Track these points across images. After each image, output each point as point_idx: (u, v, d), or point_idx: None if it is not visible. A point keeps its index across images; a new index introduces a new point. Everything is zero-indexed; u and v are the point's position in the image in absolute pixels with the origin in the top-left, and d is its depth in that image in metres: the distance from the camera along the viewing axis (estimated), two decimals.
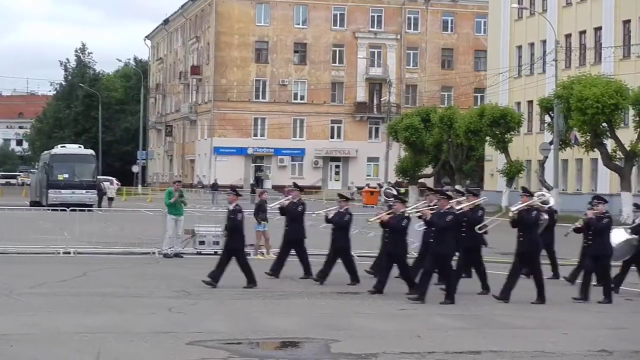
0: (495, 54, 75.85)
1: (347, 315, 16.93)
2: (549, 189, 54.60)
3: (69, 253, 26.20)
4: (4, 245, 27.37)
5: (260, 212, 27.08)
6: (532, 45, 71.29)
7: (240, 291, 19.55)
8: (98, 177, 60.06)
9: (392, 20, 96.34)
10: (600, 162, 54.22)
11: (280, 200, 23.54)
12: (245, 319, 16.18)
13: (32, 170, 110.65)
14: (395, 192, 22.59)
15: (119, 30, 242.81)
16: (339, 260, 21.44)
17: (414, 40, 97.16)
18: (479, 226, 20.20)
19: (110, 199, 57.11)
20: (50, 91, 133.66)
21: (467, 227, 20.12)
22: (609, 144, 51.68)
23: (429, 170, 75.23)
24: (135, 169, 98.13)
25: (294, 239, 22.21)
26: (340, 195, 22.46)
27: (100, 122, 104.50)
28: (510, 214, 19.38)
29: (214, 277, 19.94)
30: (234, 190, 21.82)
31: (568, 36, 66.20)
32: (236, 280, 20.41)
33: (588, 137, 51.09)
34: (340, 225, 21.36)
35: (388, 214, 20.01)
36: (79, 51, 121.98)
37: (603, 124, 49.34)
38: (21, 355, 12.51)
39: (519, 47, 73.03)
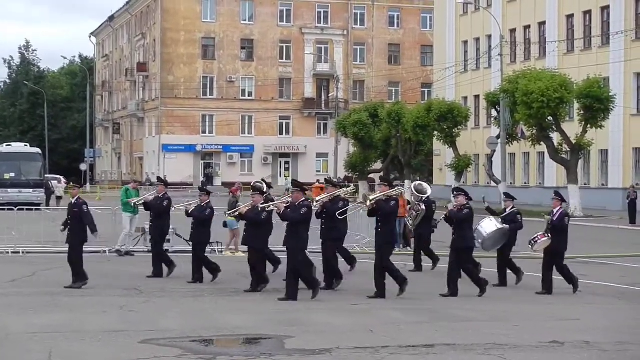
0: (442, 49, 76.30)
1: (301, 311, 16.92)
2: (497, 182, 55.18)
3: (18, 253, 25.97)
4: None
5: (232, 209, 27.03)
6: (477, 40, 71.83)
7: (193, 288, 19.51)
8: (45, 175, 59.49)
9: (338, 16, 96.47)
10: (547, 155, 54.79)
11: (145, 195, 23.66)
12: (198, 316, 16.13)
13: None
14: (263, 186, 21.69)
15: (63, 27, 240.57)
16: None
17: (360, 35, 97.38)
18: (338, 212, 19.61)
19: (59, 198, 56.53)
20: None
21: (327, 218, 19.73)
22: (555, 137, 52.17)
23: (378, 165, 75.39)
24: (83, 167, 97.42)
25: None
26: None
27: (47, 120, 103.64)
28: (367, 204, 18.76)
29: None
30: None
31: (513, 31, 66.79)
32: (188, 278, 20.40)
33: (534, 131, 51.59)
34: (201, 220, 20.90)
35: (247, 206, 19.66)
36: (22, 48, 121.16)
37: (549, 118, 49.83)
38: None
39: (465, 42, 73.55)
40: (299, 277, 18.24)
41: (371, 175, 74.16)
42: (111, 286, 19.82)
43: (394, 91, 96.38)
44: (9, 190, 52.62)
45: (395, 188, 19.86)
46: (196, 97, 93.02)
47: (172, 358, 12.46)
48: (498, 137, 56.83)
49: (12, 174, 55.09)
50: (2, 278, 20.96)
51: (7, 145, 62.41)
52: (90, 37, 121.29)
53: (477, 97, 69.30)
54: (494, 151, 58.43)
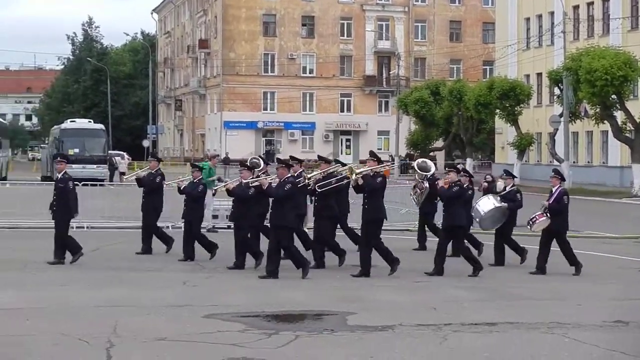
0: (504, 26, 75.64)
1: (363, 288, 16.95)
2: (560, 161, 54.69)
3: (82, 227, 26.24)
4: (17, 220, 27.49)
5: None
6: (540, 17, 71.06)
7: (252, 265, 19.51)
8: (109, 151, 60.11)
9: None
10: (610, 134, 54.13)
11: (138, 172, 23.45)
12: (260, 292, 16.21)
13: (42, 145, 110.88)
14: (259, 162, 21.23)
15: (125, 4, 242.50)
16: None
17: (422, 12, 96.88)
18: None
19: (122, 174, 57.07)
20: (58, 65, 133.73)
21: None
22: (619, 115, 51.58)
23: (439, 143, 75.17)
24: (146, 143, 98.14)
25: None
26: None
27: (109, 96, 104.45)
28: (354, 177, 18.45)
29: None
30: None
31: (576, 7, 65.94)
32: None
33: (598, 109, 51.02)
34: (193, 196, 20.42)
35: (233, 182, 19.42)
36: (85, 25, 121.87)
37: (612, 96, 49.27)
38: (37, 330, 12.54)
39: (527, 19, 72.80)
40: (288, 255, 18.04)
41: (432, 153, 73.96)
42: (174, 262, 19.95)
43: (455, 69, 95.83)
44: (73, 165, 52.74)
45: (384, 164, 19.56)
46: (257, 74, 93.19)
47: (235, 333, 12.54)
48: (561, 115, 56.37)
49: (76, 150, 55.72)
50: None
51: (71, 122, 63.14)
52: (152, 13, 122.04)
53: (539, 74, 68.62)
54: (557, 129, 57.92)
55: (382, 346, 11.96)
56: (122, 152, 76.40)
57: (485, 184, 21.95)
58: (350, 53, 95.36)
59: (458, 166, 21.43)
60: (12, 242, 22.31)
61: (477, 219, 20.61)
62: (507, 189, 21.00)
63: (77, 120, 66.75)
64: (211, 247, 20.53)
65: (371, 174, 18.39)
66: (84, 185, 28.87)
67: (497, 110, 62.84)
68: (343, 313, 14.17)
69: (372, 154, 19.15)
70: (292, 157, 22.06)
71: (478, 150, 78.82)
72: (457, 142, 73.31)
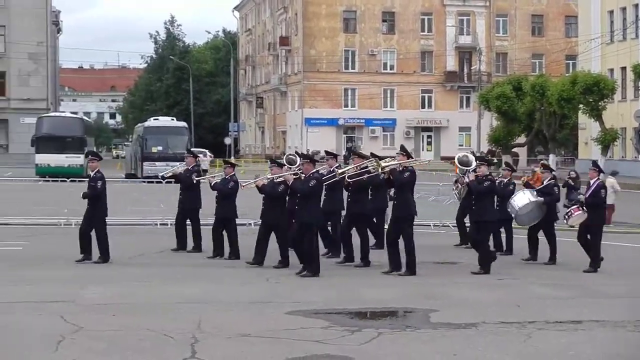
0: (587, 19, 74.66)
1: (444, 285, 16.90)
2: None
3: (166, 224, 26.50)
4: None
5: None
6: (623, 9, 69.97)
7: (333, 262, 19.51)
8: (191, 149, 60.61)
9: None
10: None
11: (174, 168, 23.04)
12: (342, 289, 16.24)
13: (126, 143, 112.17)
14: (296, 159, 20.33)
15: (207, 2, 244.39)
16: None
17: (503, 7, 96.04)
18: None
19: (204, 171, 57.57)
20: (141, 64, 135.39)
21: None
22: None
23: (521, 139, 74.49)
24: (228, 141, 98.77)
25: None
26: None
27: (192, 94, 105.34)
28: (380, 171, 18.22)
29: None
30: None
31: None
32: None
33: None
34: (224, 193, 20.10)
35: (263, 179, 18.93)
36: (168, 23, 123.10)
37: None
38: (123, 325, 12.71)
39: (611, 12, 71.72)
40: (301, 250, 17.79)
41: (515, 149, 73.35)
42: (248, 259, 19.87)
43: (537, 63, 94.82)
44: (157, 163, 53.85)
45: (414, 159, 19.22)
46: (338, 70, 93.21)
47: (318, 329, 12.58)
48: None
49: (160, 148, 56.45)
50: (150, 249, 21.49)
51: (154, 120, 63.89)
52: (233, 11, 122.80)
53: (623, 68, 67.59)
54: None
55: (466, 343, 11.92)
56: (204, 150, 76.97)
57: (570, 180, 21.69)
58: (431, 49, 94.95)
59: (459, 155, 20.82)
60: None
61: (513, 215, 20.22)
62: (545, 182, 20.57)
63: (160, 118, 67.55)
64: (215, 247, 20.25)
65: (400, 168, 18.07)
66: (167, 182, 29.17)
67: (581, 106, 62.01)
68: (425, 310, 14.14)
69: (402, 148, 18.96)
70: (327, 152, 22.12)
71: (561, 146, 77.85)
72: (539, 138, 72.51)
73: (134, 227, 26.58)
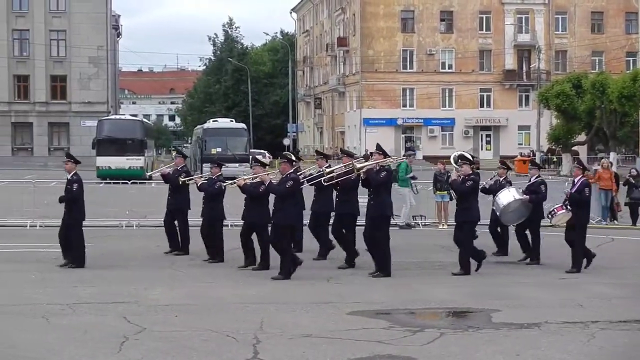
0: None
1: (506, 285, 16.82)
2: None
3: (227, 226, 26.57)
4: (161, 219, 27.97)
5: (437, 182, 27.37)
6: None
7: (396, 262, 19.43)
8: (250, 150, 60.95)
9: None
10: None
11: (162, 168, 22.27)
12: (403, 289, 16.22)
13: (185, 145, 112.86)
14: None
15: (265, 4, 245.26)
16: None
17: (562, 4, 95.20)
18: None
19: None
20: (199, 66, 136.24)
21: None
22: None
23: (582, 137, 73.83)
24: (286, 141, 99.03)
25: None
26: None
27: (250, 96, 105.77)
28: (358, 172, 17.83)
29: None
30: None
31: None
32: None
33: None
34: (210, 194, 19.48)
35: (246, 179, 18.54)
36: (226, 26, 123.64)
37: None
38: (186, 325, 12.80)
39: None
40: (280, 254, 17.43)
41: (575, 148, 72.72)
42: (308, 259, 19.73)
43: (597, 61, 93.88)
44: None
45: (389, 158, 18.83)
46: (396, 70, 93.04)
47: (380, 330, 12.58)
48: None
49: (219, 149, 56.80)
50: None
51: (213, 121, 64.29)
52: (291, 13, 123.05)
53: None
54: None
55: (528, 343, 11.85)
56: (263, 151, 77.29)
57: (630, 178, 21.46)
58: (490, 47, 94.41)
59: (453, 155, 19.94)
60: (159, 240, 22.69)
61: (498, 212, 19.88)
62: (532, 180, 20.10)
63: (220, 119, 67.95)
64: (214, 253, 19.86)
65: (376, 168, 17.71)
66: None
67: None
68: (487, 310, 14.09)
69: (377, 147, 18.51)
70: (317, 152, 21.98)
71: (622, 143, 77.03)
72: (600, 136, 71.81)
73: (195, 229, 26.65)
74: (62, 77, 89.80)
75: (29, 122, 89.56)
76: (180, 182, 20.69)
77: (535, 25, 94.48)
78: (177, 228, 21.14)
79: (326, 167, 20.25)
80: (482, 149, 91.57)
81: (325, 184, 19.26)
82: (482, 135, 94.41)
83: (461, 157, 18.65)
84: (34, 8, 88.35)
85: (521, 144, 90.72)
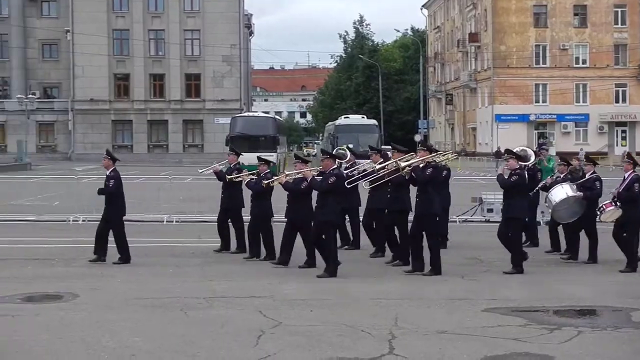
0: None
1: (638, 283, 16.47)
2: None
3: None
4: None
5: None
6: None
7: (531, 259, 19.17)
8: (382, 147, 60.94)
9: None
10: None
11: (214, 165, 21.39)
12: (539, 286, 16.02)
13: (316, 141, 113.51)
14: (346, 153, 20.73)
15: (396, 1, 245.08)
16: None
17: None
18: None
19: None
20: (330, 63, 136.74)
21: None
22: None
23: None
24: (417, 138, 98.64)
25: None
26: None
27: (381, 92, 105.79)
28: (403, 173, 17.32)
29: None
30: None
31: None
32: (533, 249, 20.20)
33: None
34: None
35: (287, 175, 18.17)
36: (357, 23, 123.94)
37: None
38: (321, 320, 12.89)
39: None
40: (320, 251, 17.23)
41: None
42: (450, 254, 19.66)
43: None
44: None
45: (436, 153, 18.19)
46: (528, 66, 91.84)
47: (516, 327, 12.46)
48: None
49: (351, 146, 56.82)
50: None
51: (345, 118, 64.55)
52: (421, 9, 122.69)
53: None
54: None
55: None
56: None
57: None
58: (625, 42, 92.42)
59: (516, 149, 19.26)
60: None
61: (550, 210, 19.27)
62: (587, 176, 19.29)
63: (351, 116, 68.23)
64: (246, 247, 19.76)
65: (421, 165, 17.33)
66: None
67: None
68: (626, 309, 13.81)
69: (422, 143, 18.03)
70: (371, 147, 21.56)
71: None
72: None
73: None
74: (197, 75, 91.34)
75: (164, 120, 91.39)
76: (228, 180, 20.37)
77: None
78: (233, 227, 20.63)
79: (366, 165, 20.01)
80: (617, 145, 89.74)
81: (366, 187, 19.14)
82: (617, 131, 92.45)
83: (508, 151, 18.17)
84: (169, 9, 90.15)
85: None
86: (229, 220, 20.55)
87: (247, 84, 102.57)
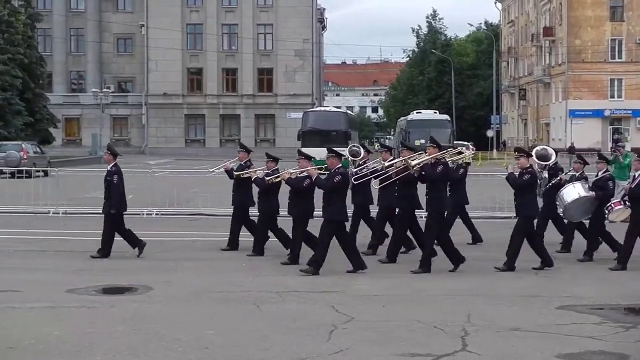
0: None
1: None
2: None
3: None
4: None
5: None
6: None
7: (604, 256, 18.90)
8: (454, 142, 60.73)
9: None
10: None
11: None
12: (613, 284, 15.85)
13: (387, 136, 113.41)
14: (360, 150, 20.12)
15: None
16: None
17: None
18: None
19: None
20: (403, 58, 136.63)
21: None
22: None
23: None
24: (490, 133, 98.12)
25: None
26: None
27: (453, 87, 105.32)
28: (412, 171, 17.04)
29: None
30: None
31: None
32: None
33: None
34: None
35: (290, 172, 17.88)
36: (429, 17, 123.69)
37: None
38: (393, 316, 12.87)
39: None
40: (315, 250, 16.92)
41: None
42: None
43: None
44: None
45: (445, 150, 17.97)
46: (604, 60, 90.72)
47: (591, 325, 12.32)
48: None
49: (422, 141, 56.66)
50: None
51: (417, 113, 64.46)
52: (495, 3, 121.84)
53: None
54: None
55: None
56: (466, 142, 76.79)
57: None
58: None
59: (537, 148, 18.78)
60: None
61: (561, 208, 18.93)
62: (599, 174, 18.95)
63: (423, 111, 68.10)
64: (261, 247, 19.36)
65: (431, 162, 17.09)
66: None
67: None
68: None
69: (432, 140, 17.68)
70: (382, 145, 21.28)
71: None
72: None
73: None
74: (269, 70, 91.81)
75: (236, 114, 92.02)
76: (235, 176, 20.14)
77: None
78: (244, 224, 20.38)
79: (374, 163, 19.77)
80: None
81: (376, 186, 19.00)
82: None
83: (518, 150, 17.98)
84: (243, 3, 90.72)
85: None
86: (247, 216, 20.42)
87: (319, 78, 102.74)
